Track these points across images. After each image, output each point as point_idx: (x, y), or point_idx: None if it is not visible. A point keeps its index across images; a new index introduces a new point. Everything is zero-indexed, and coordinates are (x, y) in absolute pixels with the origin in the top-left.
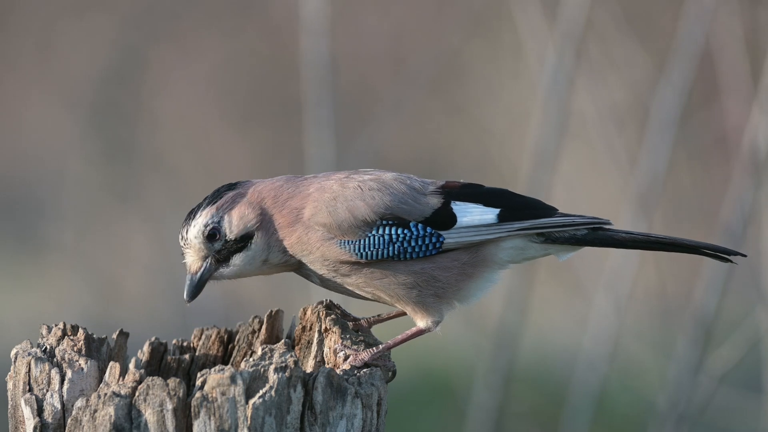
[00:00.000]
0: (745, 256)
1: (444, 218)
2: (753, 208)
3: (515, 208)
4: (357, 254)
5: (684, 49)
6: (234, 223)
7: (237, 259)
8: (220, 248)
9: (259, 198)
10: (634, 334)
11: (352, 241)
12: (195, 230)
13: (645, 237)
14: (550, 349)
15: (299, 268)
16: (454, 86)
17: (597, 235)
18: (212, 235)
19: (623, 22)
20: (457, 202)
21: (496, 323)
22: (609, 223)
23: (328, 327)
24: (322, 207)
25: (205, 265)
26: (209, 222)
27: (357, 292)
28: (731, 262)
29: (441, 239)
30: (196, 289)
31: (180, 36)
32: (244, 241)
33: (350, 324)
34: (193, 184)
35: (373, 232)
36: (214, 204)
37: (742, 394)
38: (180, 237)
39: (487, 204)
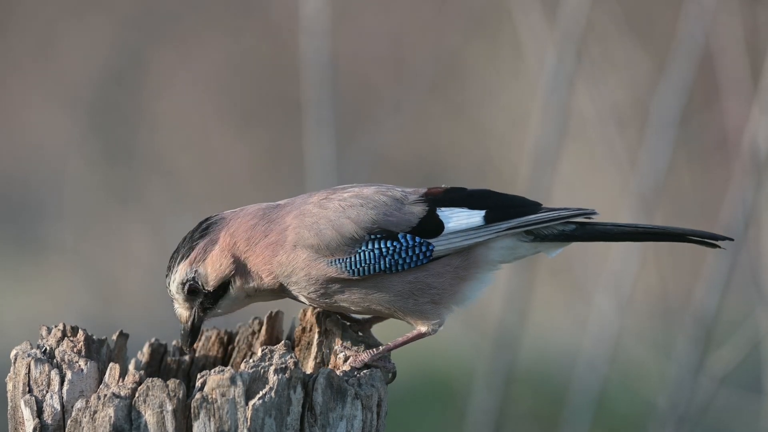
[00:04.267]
0: (731, 240)
1: (431, 226)
2: (753, 208)
3: (500, 207)
4: (348, 271)
5: (684, 49)
6: (209, 275)
7: (222, 303)
8: (203, 299)
9: (232, 242)
10: (635, 335)
11: (342, 259)
12: (175, 286)
13: (633, 228)
14: (550, 350)
15: (288, 291)
16: (454, 87)
17: (585, 229)
18: (192, 290)
19: (623, 22)
20: (443, 208)
21: (496, 324)
22: (595, 213)
23: (328, 328)
24: (304, 231)
25: (193, 314)
26: (185, 279)
27: (352, 308)
28: (719, 247)
29: (431, 248)
30: (191, 337)
31: (180, 37)
32: (224, 288)
33: (349, 326)
34: (193, 185)
35: (363, 248)
36: (186, 259)
37: (742, 395)
38: (167, 288)
39: (472, 207)
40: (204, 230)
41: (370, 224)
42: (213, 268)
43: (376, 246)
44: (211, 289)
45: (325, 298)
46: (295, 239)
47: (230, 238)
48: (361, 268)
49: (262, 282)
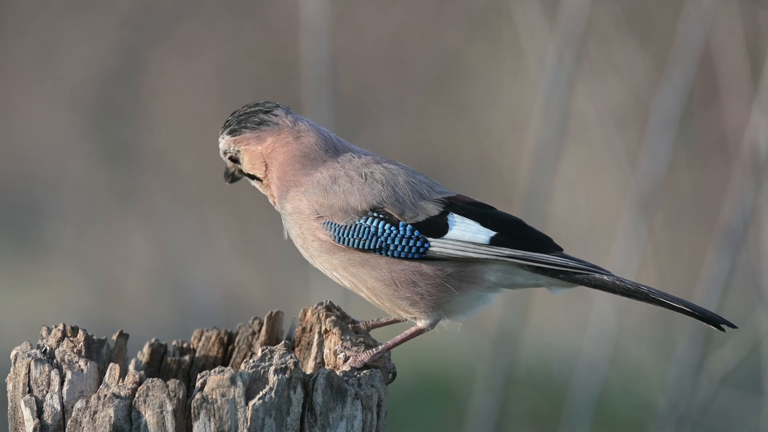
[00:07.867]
0: (735, 327)
1: (436, 226)
2: (753, 208)
3: (515, 237)
4: (334, 237)
5: (684, 49)
6: (245, 164)
7: (254, 182)
8: (241, 166)
9: (271, 155)
10: (635, 336)
11: (337, 224)
12: (221, 148)
13: (635, 287)
14: (550, 351)
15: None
16: (454, 87)
17: (588, 277)
18: (233, 159)
19: (623, 22)
20: (455, 215)
21: (496, 325)
22: (607, 273)
23: (328, 328)
24: (319, 187)
25: (233, 170)
26: (227, 151)
27: (335, 273)
28: (721, 330)
29: (426, 245)
30: (231, 181)
31: (180, 36)
32: (253, 177)
33: (349, 326)
34: (192, 184)
35: (361, 221)
36: (234, 136)
37: (742, 396)
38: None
39: (485, 224)
40: (258, 123)
41: (375, 202)
42: (249, 162)
43: (374, 224)
44: (246, 172)
45: (305, 251)
46: (306, 189)
47: (271, 151)
48: (348, 239)
49: (272, 199)
